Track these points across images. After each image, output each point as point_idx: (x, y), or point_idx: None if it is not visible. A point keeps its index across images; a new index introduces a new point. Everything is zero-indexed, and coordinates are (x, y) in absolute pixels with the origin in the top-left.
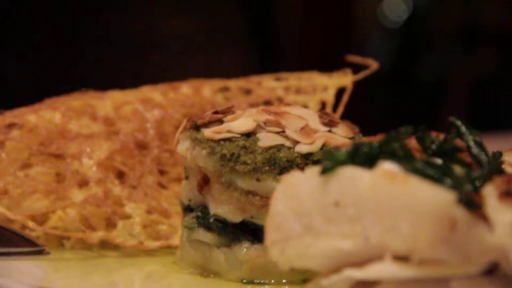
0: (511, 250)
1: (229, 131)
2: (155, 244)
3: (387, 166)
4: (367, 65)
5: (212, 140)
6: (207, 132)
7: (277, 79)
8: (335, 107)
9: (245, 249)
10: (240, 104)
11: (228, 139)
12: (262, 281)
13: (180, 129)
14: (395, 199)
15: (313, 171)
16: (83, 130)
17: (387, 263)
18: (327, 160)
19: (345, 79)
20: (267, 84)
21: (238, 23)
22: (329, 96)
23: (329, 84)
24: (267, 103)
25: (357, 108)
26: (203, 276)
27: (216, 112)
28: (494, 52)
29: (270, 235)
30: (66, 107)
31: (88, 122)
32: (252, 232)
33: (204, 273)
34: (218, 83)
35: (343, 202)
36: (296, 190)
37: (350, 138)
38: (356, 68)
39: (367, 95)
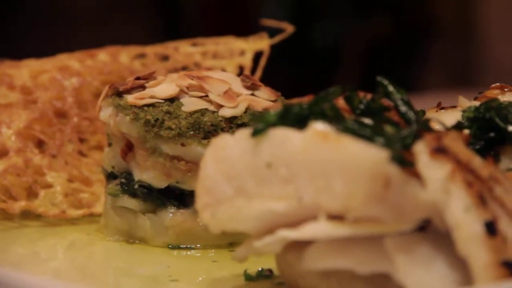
0: (444, 205)
1: (152, 97)
2: (78, 212)
3: (319, 127)
4: (282, 28)
5: (135, 106)
6: (130, 98)
7: (194, 45)
8: (252, 71)
9: (171, 214)
10: (158, 71)
11: (152, 105)
12: (188, 246)
13: (102, 96)
14: (328, 159)
15: (242, 134)
16: (1, 99)
17: (321, 223)
18: (257, 122)
19: (262, 43)
20: (184, 49)
21: None
22: (247, 60)
23: (246, 48)
24: (185, 68)
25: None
26: (128, 243)
27: (138, 78)
28: (387, 17)
29: (201, 199)
30: None
31: (6, 91)
32: (177, 197)
33: (130, 240)
34: (135, 49)
35: (275, 164)
36: (226, 153)
37: (272, 101)
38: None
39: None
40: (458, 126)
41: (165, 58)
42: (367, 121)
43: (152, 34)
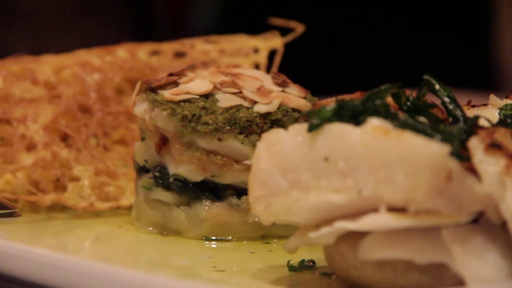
0: (499, 198)
1: (187, 93)
2: (106, 205)
3: (377, 122)
4: (292, 27)
5: (172, 102)
6: (167, 94)
7: (207, 42)
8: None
9: (206, 207)
10: (176, 67)
11: (188, 100)
12: (222, 238)
13: (135, 92)
14: (389, 153)
15: (297, 129)
16: (26, 94)
17: (382, 214)
18: (314, 117)
19: (275, 41)
20: (201, 47)
21: None
22: (262, 58)
23: (261, 46)
24: (193, 66)
25: None
26: (162, 235)
27: (171, 75)
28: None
29: (254, 191)
30: (7, 71)
31: (30, 86)
32: (211, 190)
33: (164, 232)
34: (151, 46)
35: (332, 158)
36: (280, 147)
37: (303, 98)
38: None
39: None
40: (502, 123)
41: (180, 55)
42: (422, 118)
43: (124, 34)
